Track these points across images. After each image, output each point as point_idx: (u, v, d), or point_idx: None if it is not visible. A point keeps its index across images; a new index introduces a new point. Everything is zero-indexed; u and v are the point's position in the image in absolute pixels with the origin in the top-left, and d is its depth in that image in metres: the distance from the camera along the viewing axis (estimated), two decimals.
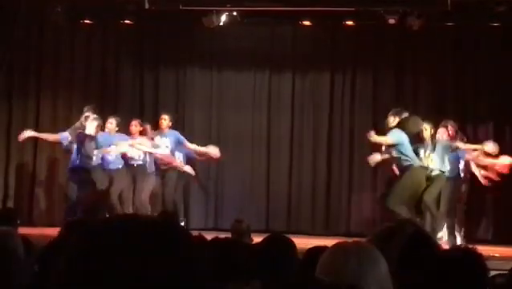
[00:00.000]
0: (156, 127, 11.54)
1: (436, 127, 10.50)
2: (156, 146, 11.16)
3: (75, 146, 10.81)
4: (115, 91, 12.92)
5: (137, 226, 1.21)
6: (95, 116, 10.83)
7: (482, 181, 10.64)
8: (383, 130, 10.51)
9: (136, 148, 11.09)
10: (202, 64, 12.92)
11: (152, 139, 11.26)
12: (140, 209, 10.75)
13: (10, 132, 12.38)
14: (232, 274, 3.53)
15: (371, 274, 2.13)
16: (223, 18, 11.65)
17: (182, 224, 10.73)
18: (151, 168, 11.24)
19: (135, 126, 11.25)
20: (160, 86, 12.97)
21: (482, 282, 3.20)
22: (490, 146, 10.43)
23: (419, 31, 11.38)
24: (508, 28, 11.50)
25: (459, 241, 10.13)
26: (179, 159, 11.46)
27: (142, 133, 11.31)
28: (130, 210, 10.81)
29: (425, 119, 10.68)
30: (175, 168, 11.34)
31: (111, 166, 11.11)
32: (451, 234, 10.17)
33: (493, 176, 10.55)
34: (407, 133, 10.06)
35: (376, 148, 10.76)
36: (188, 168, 11.50)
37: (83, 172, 10.62)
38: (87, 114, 10.95)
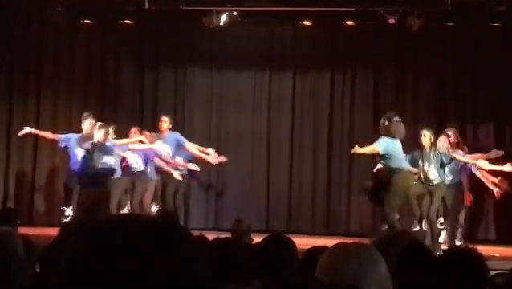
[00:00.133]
0: (156, 129, 11.51)
1: (437, 134, 10.32)
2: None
3: (79, 151, 10.70)
4: (115, 91, 12.92)
5: (137, 226, 1.21)
6: (100, 123, 10.69)
7: (493, 188, 10.49)
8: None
9: (134, 148, 11.03)
10: (202, 64, 12.92)
11: (152, 143, 11.22)
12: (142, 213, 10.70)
13: (10, 132, 12.38)
14: (232, 274, 3.53)
15: (371, 275, 2.13)
16: (223, 18, 11.65)
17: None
18: (152, 176, 11.18)
19: (134, 133, 11.23)
20: (160, 86, 12.97)
21: (482, 283, 3.20)
22: (483, 162, 10.32)
23: (419, 31, 11.38)
24: (508, 28, 11.49)
25: (458, 242, 10.11)
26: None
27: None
28: None
29: (426, 121, 10.62)
30: (177, 170, 11.30)
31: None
32: (452, 239, 10.11)
33: (502, 186, 10.44)
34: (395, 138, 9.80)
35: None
36: (192, 166, 11.43)
37: (91, 178, 10.48)
38: (88, 120, 10.84)
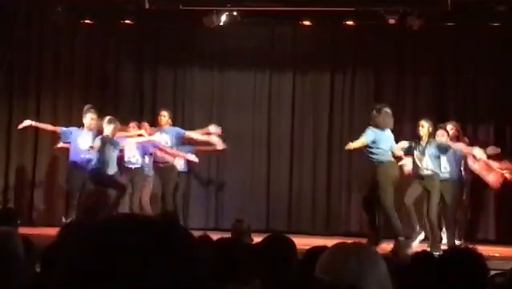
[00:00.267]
0: (156, 125, 11.49)
1: (435, 125, 10.29)
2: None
3: (82, 142, 10.67)
4: (115, 91, 12.92)
5: (137, 226, 1.22)
6: (109, 117, 10.65)
7: (492, 183, 10.39)
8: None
9: (133, 141, 10.93)
10: (202, 64, 12.92)
11: (151, 135, 11.15)
12: (141, 212, 10.65)
13: (10, 132, 12.39)
14: (232, 274, 3.53)
15: (370, 274, 2.13)
16: (223, 18, 11.65)
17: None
18: (149, 171, 11.14)
19: (132, 128, 11.20)
20: (160, 86, 12.97)
21: (482, 283, 3.20)
22: (477, 151, 10.26)
23: (419, 31, 11.38)
24: (508, 28, 11.49)
25: (458, 241, 10.09)
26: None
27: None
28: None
29: (425, 118, 10.55)
30: (172, 168, 11.20)
31: (110, 171, 10.93)
32: (451, 238, 10.08)
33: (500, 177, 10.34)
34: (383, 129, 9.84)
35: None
36: (191, 157, 11.36)
37: (101, 175, 10.44)
38: (89, 114, 10.80)
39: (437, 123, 10.50)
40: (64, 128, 10.97)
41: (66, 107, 12.64)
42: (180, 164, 11.41)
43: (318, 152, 12.65)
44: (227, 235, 5.38)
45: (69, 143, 10.86)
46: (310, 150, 12.66)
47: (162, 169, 11.17)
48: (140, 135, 11.06)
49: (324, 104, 12.69)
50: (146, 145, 11.03)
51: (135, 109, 12.76)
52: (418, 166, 9.94)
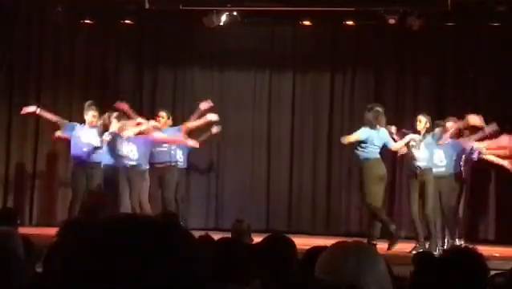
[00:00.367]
0: None
1: (433, 121, 10.29)
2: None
3: (85, 137, 10.65)
4: (115, 91, 12.91)
5: (137, 226, 1.22)
6: (117, 113, 10.60)
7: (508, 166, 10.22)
8: None
9: (133, 131, 10.80)
10: (202, 64, 12.92)
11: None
12: (142, 210, 10.59)
13: (10, 132, 12.39)
14: (232, 274, 3.53)
15: (370, 274, 2.13)
16: (223, 17, 11.65)
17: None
18: (145, 166, 10.91)
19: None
20: (160, 86, 12.97)
21: (482, 283, 3.20)
22: (474, 118, 10.21)
23: (419, 31, 11.38)
24: (508, 28, 11.49)
25: (458, 241, 10.08)
26: (180, 157, 11.36)
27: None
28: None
29: (423, 113, 10.50)
30: (171, 168, 11.14)
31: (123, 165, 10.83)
32: (452, 237, 10.08)
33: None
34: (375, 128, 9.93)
35: None
36: (192, 142, 11.29)
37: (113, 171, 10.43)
38: (91, 112, 10.76)
39: (438, 119, 10.49)
40: (67, 122, 10.85)
41: (66, 107, 12.62)
42: (179, 163, 11.36)
43: (318, 152, 12.65)
44: (227, 235, 5.39)
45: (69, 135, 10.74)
46: (310, 150, 12.66)
47: (160, 170, 11.07)
48: (138, 123, 10.87)
49: (324, 104, 12.69)
50: (144, 141, 10.86)
51: (134, 109, 12.72)
52: (414, 159, 9.92)
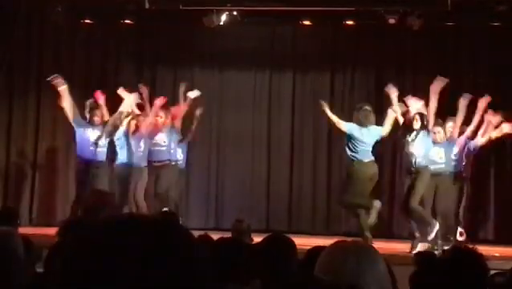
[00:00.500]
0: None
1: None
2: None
3: (91, 134, 10.67)
4: (115, 91, 12.89)
5: (137, 226, 1.22)
6: (125, 111, 10.62)
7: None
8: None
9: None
10: (202, 64, 12.92)
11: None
12: (137, 208, 10.52)
13: (10, 132, 12.39)
14: (232, 274, 3.53)
15: (369, 273, 2.12)
16: (223, 17, 11.64)
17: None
18: (143, 162, 10.80)
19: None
20: (159, 85, 12.96)
21: (482, 282, 3.20)
22: (509, 127, 10.23)
23: (419, 31, 11.38)
24: (508, 28, 11.49)
25: (460, 237, 10.05)
26: (180, 156, 11.34)
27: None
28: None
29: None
30: (171, 167, 11.08)
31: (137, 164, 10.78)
32: (453, 235, 10.06)
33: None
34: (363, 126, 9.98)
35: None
36: (192, 94, 11.27)
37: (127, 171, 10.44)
38: (95, 111, 10.79)
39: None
40: (77, 119, 10.71)
41: None
42: (179, 162, 11.33)
43: (318, 152, 12.65)
44: (227, 235, 5.38)
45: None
46: (310, 150, 12.66)
47: (158, 169, 11.02)
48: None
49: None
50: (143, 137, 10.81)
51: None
52: (411, 156, 9.89)
